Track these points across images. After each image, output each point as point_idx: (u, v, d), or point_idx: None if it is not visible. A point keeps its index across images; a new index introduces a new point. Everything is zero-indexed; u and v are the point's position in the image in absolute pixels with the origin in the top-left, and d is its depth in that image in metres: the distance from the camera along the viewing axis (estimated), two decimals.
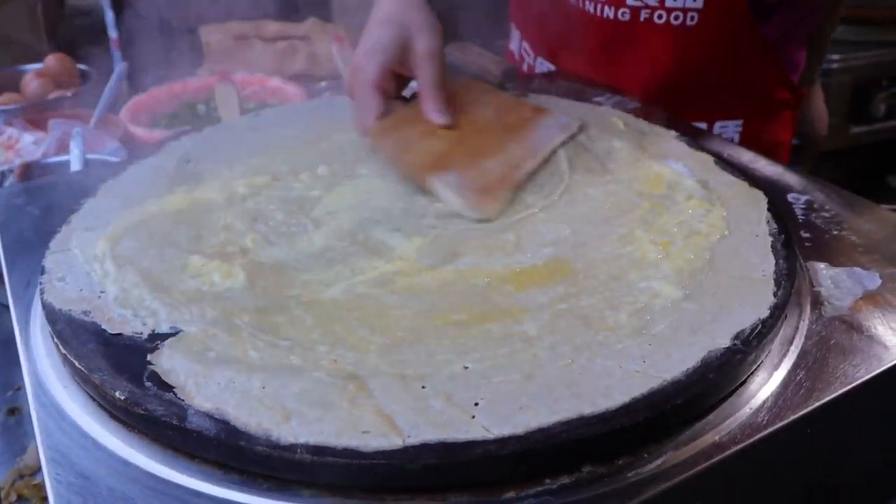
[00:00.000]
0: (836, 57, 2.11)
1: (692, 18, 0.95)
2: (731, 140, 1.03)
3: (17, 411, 0.81)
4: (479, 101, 0.82)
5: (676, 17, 0.95)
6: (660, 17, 0.96)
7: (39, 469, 0.73)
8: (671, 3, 0.95)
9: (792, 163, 1.12)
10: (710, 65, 0.97)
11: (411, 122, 0.77)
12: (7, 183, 1.03)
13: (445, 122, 0.75)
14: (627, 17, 0.97)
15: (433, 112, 0.76)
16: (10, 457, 0.75)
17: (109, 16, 2.19)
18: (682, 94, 0.98)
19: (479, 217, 0.67)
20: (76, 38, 1.81)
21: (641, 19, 0.97)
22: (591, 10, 0.99)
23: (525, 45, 1.17)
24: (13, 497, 0.70)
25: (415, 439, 0.45)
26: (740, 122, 1.03)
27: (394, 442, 0.44)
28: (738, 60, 0.99)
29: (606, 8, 0.98)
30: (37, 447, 0.73)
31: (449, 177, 0.70)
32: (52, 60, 1.49)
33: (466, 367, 0.50)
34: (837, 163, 2.27)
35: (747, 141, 1.02)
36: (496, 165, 0.73)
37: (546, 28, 1.10)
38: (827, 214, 0.74)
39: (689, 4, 0.94)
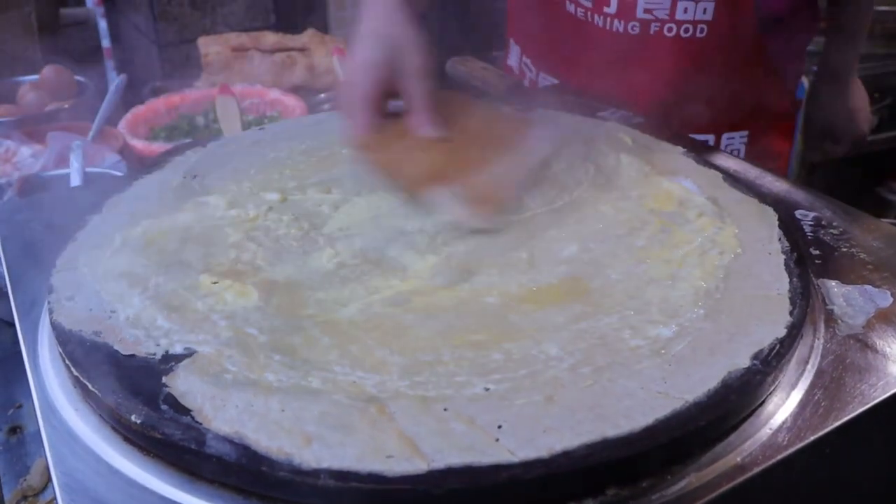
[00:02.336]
0: None
1: (702, 31, 0.96)
2: (738, 152, 1.04)
3: (18, 430, 0.80)
4: (465, 113, 0.83)
5: (686, 30, 0.96)
6: (669, 29, 0.96)
7: (44, 489, 0.72)
8: (682, 16, 0.95)
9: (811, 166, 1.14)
10: (717, 76, 0.98)
11: (402, 137, 0.77)
12: (6, 197, 1.01)
13: (438, 134, 0.77)
14: (637, 30, 0.98)
15: (425, 126, 0.77)
16: (12, 477, 0.74)
17: (102, 25, 2.18)
18: (690, 105, 0.98)
19: (480, 226, 0.68)
20: (71, 48, 1.80)
21: (651, 32, 0.97)
22: (601, 23, 1.00)
23: (526, 59, 1.17)
24: None
25: (439, 463, 0.44)
26: (746, 133, 1.04)
27: (418, 466, 0.44)
28: (744, 71, 1.00)
29: (616, 21, 0.98)
30: (41, 467, 0.73)
31: (446, 189, 0.70)
32: (48, 71, 1.48)
33: (487, 389, 0.50)
34: (829, 174, 2.29)
35: (753, 152, 1.03)
36: (489, 177, 0.73)
37: (550, 43, 1.10)
38: (835, 231, 0.74)
39: (700, 17, 0.95)
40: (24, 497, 0.71)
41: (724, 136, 1.03)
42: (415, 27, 0.79)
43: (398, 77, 0.78)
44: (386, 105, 0.81)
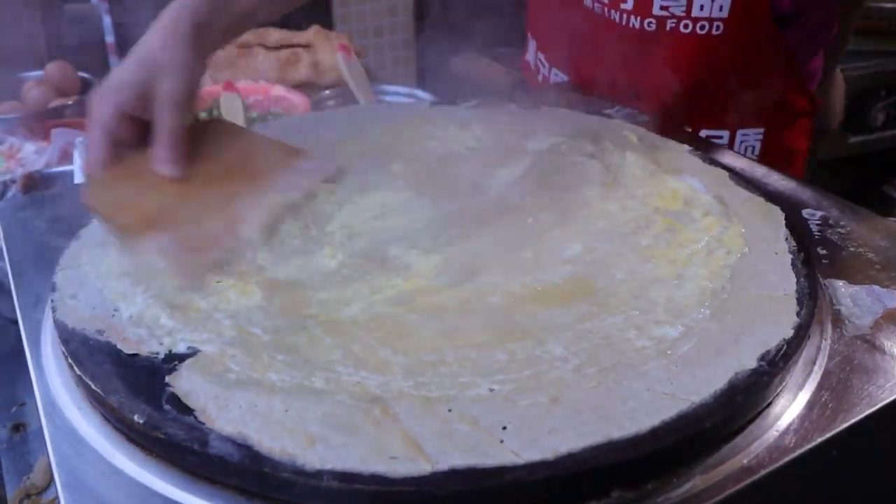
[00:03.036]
0: None
1: (717, 28, 0.95)
2: (752, 149, 1.04)
3: (22, 427, 0.79)
4: (226, 147, 0.75)
5: (702, 27, 0.95)
6: (686, 26, 0.96)
7: (47, 488, 0.72)
8: (698, 13, 0.95)
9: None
10: (733, 73, 0.98)
11: (136, 175, 0.70)
12: (10, 194, 1.02)
13: (173, 173, 0.69)
14: (654, 26, 0.97)
15: (161, 162, 0.69)
16: (16, 475, 0.74)
17: (106, 21, 2.18)
18: (705, 102, 0.98)
19: (181, 283, 0.60)
20: (75, 44, 1.80)
21: (667, 29, 0.97)
22: (617, 19, 0.99)
23: (540, 55, 1.17)
24: None
25: (443, 465, 0.44)
26: (761, 130, 1.03)
27: (422, 468, 0.44)
28: (760, 69, 0.99)
29: (632, 17, 0.98)
30: (44, 465, 0.72)
31: (157, 239, 0.63)
32: (52, 68, 1.48)
33: (492, 390, 0.49)
34: (835, 172, 2.27)
35: (767, 150, 1.03)
36: (219, 220, 0.66)
37: (564, 38, 1.10)
38: (842, 231, 0.73)
39: (716, 14, 0.94)
40: (28, 495, 0.70)
41: (739, 132, 1.03)
42: (187, 49, 0.70)
43: (150, 104, 0.69)
44: (142, 135, 0.71)
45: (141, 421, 0.48)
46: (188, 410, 0.49)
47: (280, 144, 0.77)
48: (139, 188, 0.69)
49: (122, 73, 0.70)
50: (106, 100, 0.69)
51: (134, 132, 0.71)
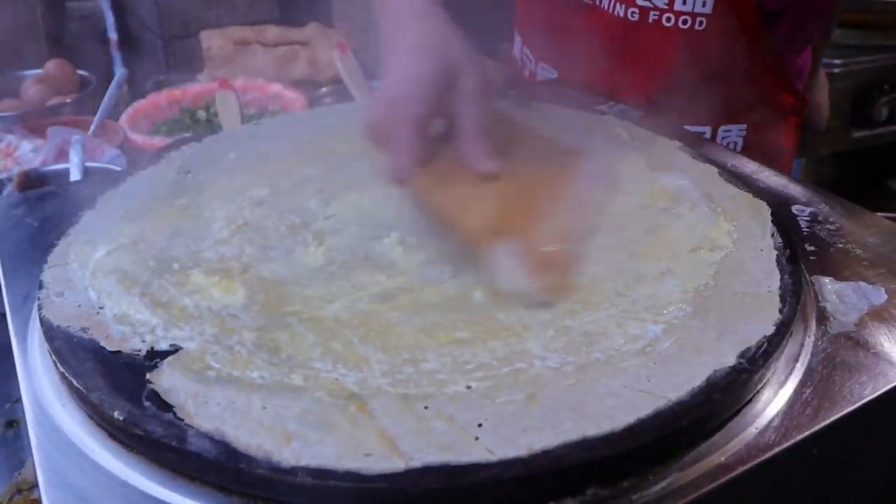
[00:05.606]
0: (837, 61, 2.10)
1: (700, 24, 0.94)
2: (735, 145, 1.03)
3: (15, 423, 0.80)
4: (511, 141, 0.72)
5: (685, 22, 0.95)
6: (668, 19, 0.95)
7: (38, 484, 0.72)
8: (680, 7, 0.94)
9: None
10: (715, 70, 0.97)
11: (457, 173, 0.66)
12: (5, 192, 1.02)
13: (493, 168, 0.65)
14: (636, 16, 0.96)
15: (483, 160, 0.65)
16: (7, 471, 0.74)
17: (109, 17, 2.19)
18: (686, 97, 0.97)
19: (540, 301, 0.57)
20: (76, 42, 1.81)
21: (650, 20, 0.96)
22: (606, 6, 0.98)
23: (526, 50, 1.16)
24: None
25: (417, 462, 0.44)
26: (744, 126, 1.02)
27: (396, 465, 0.44)
28: (744, 66, 0.98)
29: (617, 5, 0.97)
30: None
31: (506, 248, 0.60)
32: (51, 66, 1.49)
33: (469, 387, 0.49)
34: (839, 167, 2.26)
35: (751, 146, 1.02)
36: (552, 229, 0.64)
37: (549, 30, 1.09)
38: (832, 227, 0.73)
39: (699, 9, 0.94)
40: (19, 490, 0.71)
41: (721, 129, 1.02)
42: (466, 41, 0.68)
43: (451, 98, 0.66)
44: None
45: (121, 418, 0.49)
46: (168, 407, 0.49)
47: (556, 143, 0.76)
48: (461, 187, 0.65)
49: (425, 65, 0.65)
50: (419, 91, 0.64)
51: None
